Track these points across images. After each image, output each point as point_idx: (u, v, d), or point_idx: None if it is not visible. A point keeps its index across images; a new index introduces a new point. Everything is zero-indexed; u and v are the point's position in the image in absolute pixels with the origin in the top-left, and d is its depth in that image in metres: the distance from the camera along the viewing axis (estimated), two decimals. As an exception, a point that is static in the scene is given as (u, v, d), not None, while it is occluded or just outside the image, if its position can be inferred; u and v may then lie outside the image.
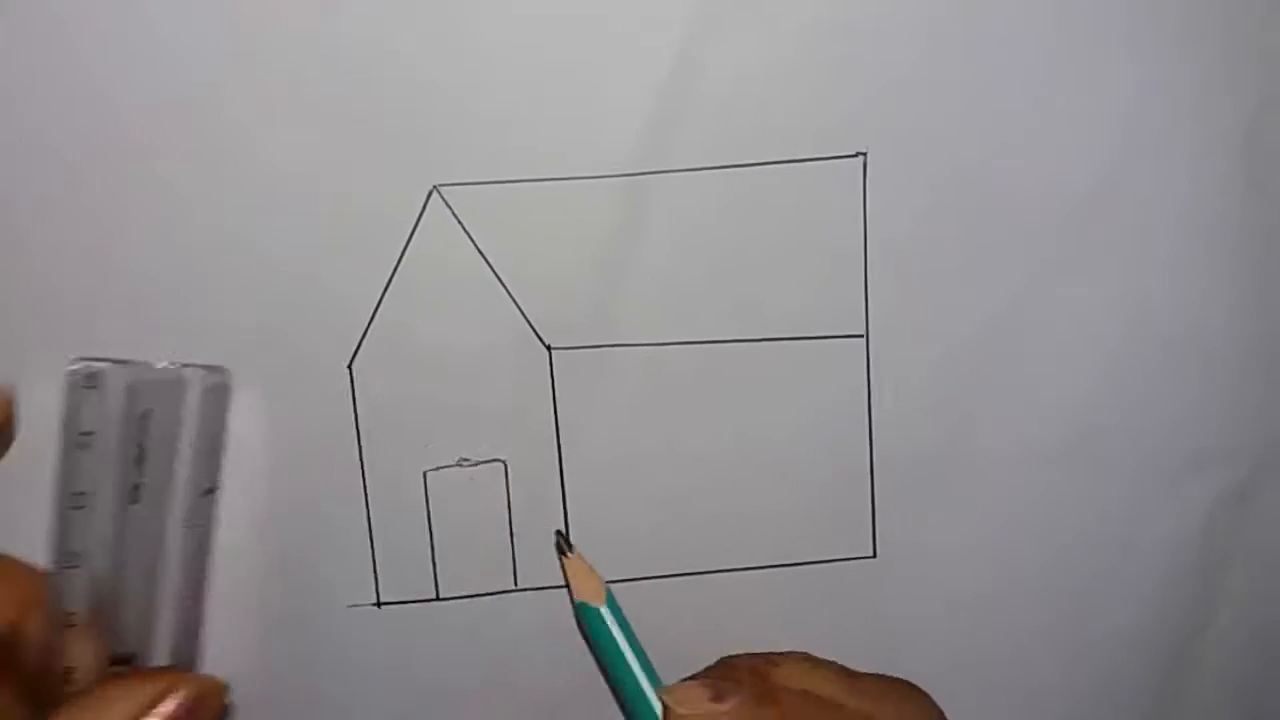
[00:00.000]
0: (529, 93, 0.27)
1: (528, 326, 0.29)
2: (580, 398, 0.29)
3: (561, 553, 0.29)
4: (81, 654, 0.24)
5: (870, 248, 0.29)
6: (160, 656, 0.25)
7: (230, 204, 0.27)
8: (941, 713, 0.27)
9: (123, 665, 0.25)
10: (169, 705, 0.23)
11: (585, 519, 0.30)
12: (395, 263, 0.28)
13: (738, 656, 0.29)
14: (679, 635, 0.30)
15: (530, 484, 0.30)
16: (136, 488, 0.24)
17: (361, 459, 0.29)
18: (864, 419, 0.30)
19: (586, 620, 0.28)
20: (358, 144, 0.27)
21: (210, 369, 0.25)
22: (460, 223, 0.28)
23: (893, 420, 0.30)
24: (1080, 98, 0.28)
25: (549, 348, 0.29)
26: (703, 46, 0.27)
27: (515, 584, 0.30)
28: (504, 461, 0.30)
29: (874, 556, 0.31)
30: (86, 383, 0.23)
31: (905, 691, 0.28)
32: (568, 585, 0.29)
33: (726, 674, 0.28)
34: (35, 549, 0.24)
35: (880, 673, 0.28)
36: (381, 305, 0.28)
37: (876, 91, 0.28)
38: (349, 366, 0.29)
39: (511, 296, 0.29)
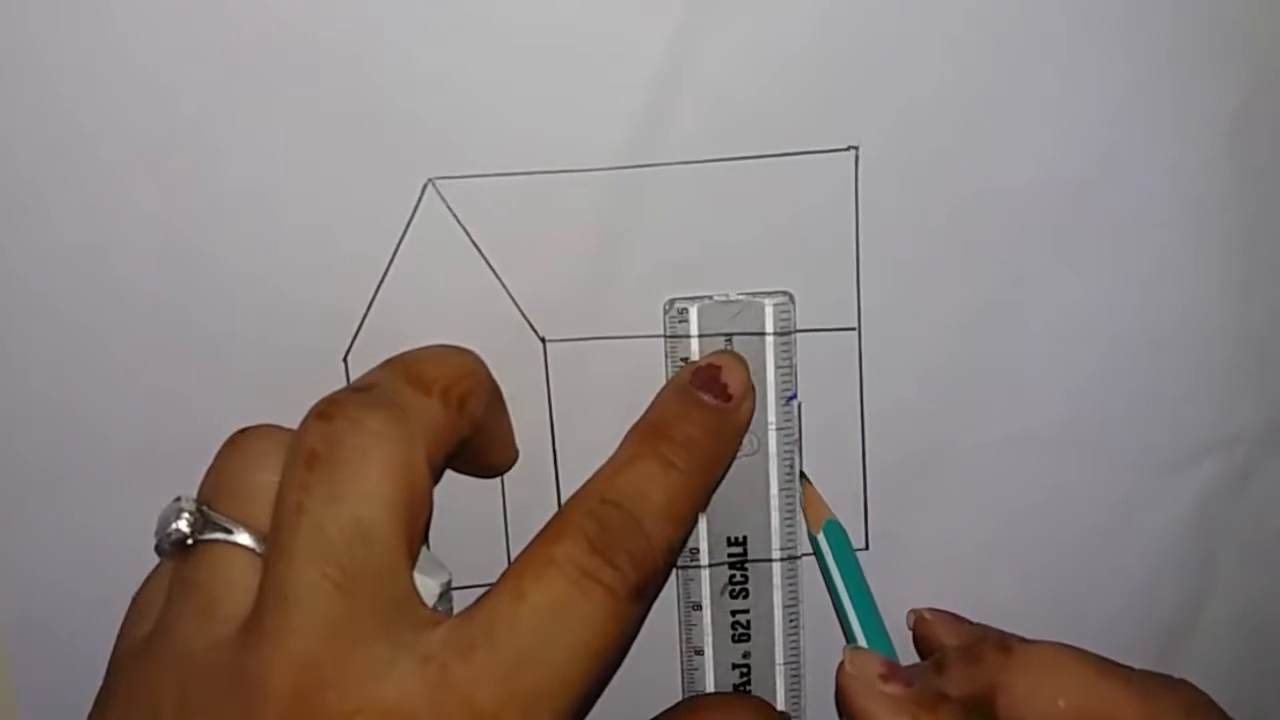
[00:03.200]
0: (524, 85, 0.27)
1: (522, 319, 0.29)
2: (574, 390, 0.29)
3: (805, 481, 0.30)
4: None
5: (862, 241, 0.29)
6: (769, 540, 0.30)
7: (224, 196, 0.27)
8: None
9: (739, 548, 0.30)
10: None
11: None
12: (390, 255, 0.28)
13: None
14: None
15: (524, 476, 0.30)
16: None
17: (356, 451, 0.29)
18: (856, 412, 0.30)
19: (833, 541, 0.30)
20: (353, 136, 0.27)
21: (775, 293, 0.29)
22: (455, 215, 0.28)
23: (885, 413, 0.30)
24: (1070, 90, 0.29)
25: (543, 340, 0.29)
26: (696, 39, 0.27)
27: (509, 576, 0.30)
28: (498, 454, 0.30)
29: (866, 548, 0.31)
30: (680, 316, 0.29)
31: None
32: (805, 514, 0.30)
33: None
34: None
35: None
36: (377, 298, 0.28)
37: (868, 85, 0.28)
38: (344, 359, 0.29)
39: (506, 289, 0.29)
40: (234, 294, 0.28)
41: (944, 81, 0.28)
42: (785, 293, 0.29)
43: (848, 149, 0.28)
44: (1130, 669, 0.27)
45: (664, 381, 0.29)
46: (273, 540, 0.23)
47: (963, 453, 0.31)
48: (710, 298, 0.29)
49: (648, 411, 0.28)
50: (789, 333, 0.29)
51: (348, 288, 0.28)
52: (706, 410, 0.28)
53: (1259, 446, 0.31)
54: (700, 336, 0.29)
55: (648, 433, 0.27)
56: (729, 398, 0.28)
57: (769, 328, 0.29)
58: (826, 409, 0.30)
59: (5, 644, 0.30)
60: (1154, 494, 0.31)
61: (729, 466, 0.29)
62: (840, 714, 0.28)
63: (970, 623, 0.30)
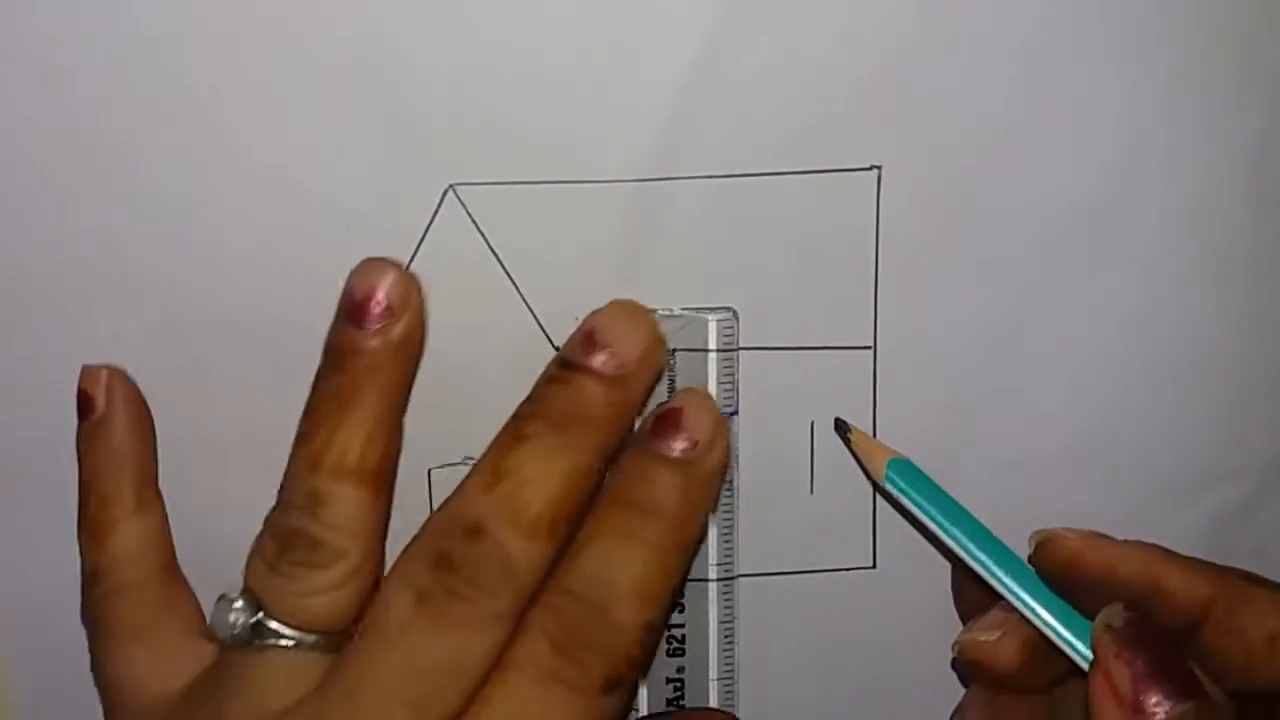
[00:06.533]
0: (547, 94, 0.27)
1: (538, 327, 0.29)
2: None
3: (845, 433, 0.29)
4: None
5: (881, 261, 0.29)
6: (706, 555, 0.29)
7: (246, 201, 0.27)
8: None
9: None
10: None
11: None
12: (409, 260, 0.28)
13: None
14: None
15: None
16: None
17: (367, 456, 0.29)
18: (870, 430, 0.30)
19: (903, 479, 0.28)
20: (374, 142, 0.27)
21: (718, 309, 0.28)
22: (475, 222, 0.28)
23: (897, 432, 0.30)
24: (1091, 114, 0.29)
25: (559, 349, 0.29)
26: (721, 55, 0.27)
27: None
28: (509, 462, 0.30)
29: (873, 567, 0.31)
30: None
31: None
32: (861, 465, 0.29)
33: None
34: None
35: None
36: (393, 303, 0.28)
37: (893, 105, 0.28)
38: (359, 363, 0.28)
39: (523, 297, 0.28)
40: (252, 296, 0.28)
41: (967, 104, 0.28)
42: (729, 309, 0.29)
43: (870, 168, 0.28)
44: None
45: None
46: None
47: (973, 473, 0.31)
48: (654, 313, 0.28)
49: (608, 477, 0.25)
50: (732, 350, 0.29)
51: (364, 291, 0.28)
52: (670, 466, 0.24)
53: (1267, 477, 0.31)
54: None
55: (609, 503, 0.24)
56: (695, 444, 0.24)
57: (712, 344, 0.29)
58: (839, 427, 0.30)
59: (5, 644, 0.30)
60: (1164, 522, 0.31)
61: (706, 522, 0.27)
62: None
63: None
